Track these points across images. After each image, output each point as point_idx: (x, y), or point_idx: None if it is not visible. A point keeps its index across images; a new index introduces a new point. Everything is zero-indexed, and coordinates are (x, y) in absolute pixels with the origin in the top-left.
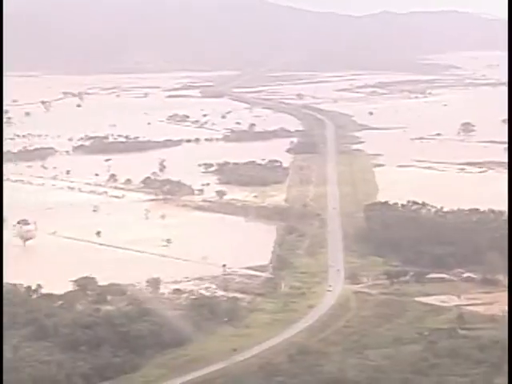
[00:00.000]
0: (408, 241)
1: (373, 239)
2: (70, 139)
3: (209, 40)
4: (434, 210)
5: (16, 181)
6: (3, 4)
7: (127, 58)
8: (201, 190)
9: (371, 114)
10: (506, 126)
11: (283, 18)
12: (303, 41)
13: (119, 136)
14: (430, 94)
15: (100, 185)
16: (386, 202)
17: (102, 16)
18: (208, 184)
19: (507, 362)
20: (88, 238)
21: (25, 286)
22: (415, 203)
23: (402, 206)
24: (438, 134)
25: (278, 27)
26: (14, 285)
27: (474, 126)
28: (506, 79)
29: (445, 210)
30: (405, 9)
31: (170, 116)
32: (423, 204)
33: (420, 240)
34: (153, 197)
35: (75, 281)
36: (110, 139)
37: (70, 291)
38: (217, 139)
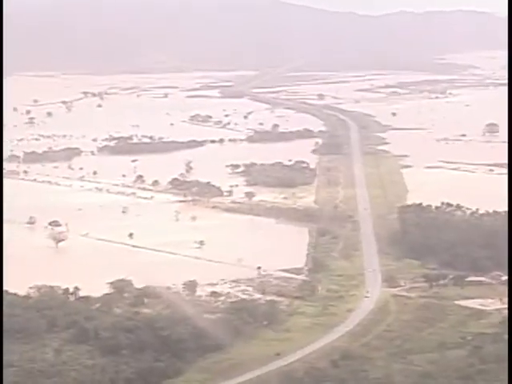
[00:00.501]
0: (444, 243)
1: (407, 242)
2: (95, 140)
3: (224, 40)
4: (469, 212)
5: (43, 181)
6: (3, 5)
7: (143, 57)
8: (229, 192)
9: (394, 114)
10: None
11: (300, 18)
12: (321, 40)
13: (143, 137)
14: (450, 94)
15: (128, 186)
16: (419, 204)
17: (116, 16)
18: (236, 185)
19: (507, 361)
20: (120, 240)
21: (62, 288)
22: (449, 205)
23: (436, 208)
24: (463, 135)
25: (295, 27)
26: (51, 287)
27: (498, 126)
28: None
29: (480, 212)
30: (421, 8)
31: (192, 116)
32: (458, 206)
33: (456, 242)
34: (181, 198)
35: (111, 283)
36: (135, 140)
37: (107, 294)
38: (240, 140)
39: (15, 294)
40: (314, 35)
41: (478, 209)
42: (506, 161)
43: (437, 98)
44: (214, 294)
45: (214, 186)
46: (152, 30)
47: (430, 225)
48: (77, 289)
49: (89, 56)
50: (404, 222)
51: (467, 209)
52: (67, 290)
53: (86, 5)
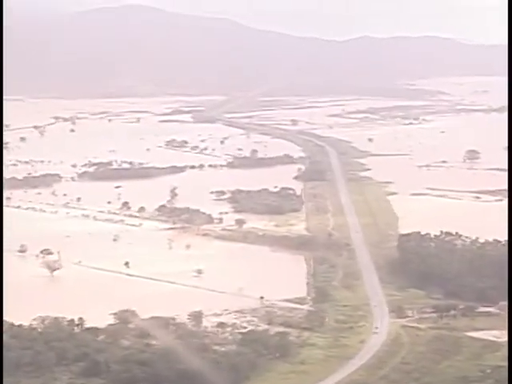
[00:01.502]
0: (447, 273)
1: (409, 271)
2: (74, 165)
3: (189, 65)
4: (469, 241)
5: (28, 208)
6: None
7: (112, 82)
8: (220, 219)
9: (371, 140)
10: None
11: (264, 43)
12: (287, 66)
13: (123, 162)
14: (424, 120)
15: (114, 213)
16: (418, 233)
17: (85, 40)
18: (226, 213)
19: (507, 361)
20: (116, 269)
21: (67, 319)
22: (448, 234)
23: (436, 236)
24: (444, 162)
25: (260, 52)
26: (56, 318)
27: (479, 153)
28: (495, 105)
29: (480, 241)
30: (386, 34)
31: (168, 141)
32: (457, 235)
33: (460, 272)
34: (170, 225)
35: (116, 314)
36: (115, 165)
37: (112, 324)
38: (221, 165)
39: (20, 326)
40: (279, 60)
41: (477, 237)
42: (490, 188)
43: (411, 124)
44: (221, 324)
45: (203, 213)
46: (117, 54)
47: (431, 254)
48: (82, 320)
49: (55, 80)
50: (403, 250)
51: (467, 237)
52: (72, 321)
53: (50, 27)
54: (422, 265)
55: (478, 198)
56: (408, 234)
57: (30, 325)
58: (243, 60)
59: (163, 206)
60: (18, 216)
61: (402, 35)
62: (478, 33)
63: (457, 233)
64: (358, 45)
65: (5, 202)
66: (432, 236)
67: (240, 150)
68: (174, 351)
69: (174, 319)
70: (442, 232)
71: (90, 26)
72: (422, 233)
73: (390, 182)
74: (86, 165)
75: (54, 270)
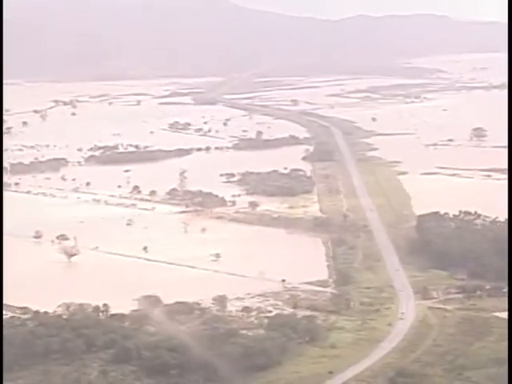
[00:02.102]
0: (469, 253)
1: (429, 251)
2: (80, 149)
3: (184, 46)
4: (489, 220)
5: (38, 193)
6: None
7: (108, 64)
8: (233, 202)
9: (374, 119)
10: None
11: (258, 23)
12: (281, 45)
13: (129, 145)
14: (425, 98)
15: (125, 197)
16: (436, 213)
17: (78, 23)
18: (238, 195)
19: (507, 361)
20: (133, 254)
21: (92, 305)
22: (467, 213)
23: (455, 216)
24: (450, 140)
25: (255, 32)
26: (81, 305)
27: (485, 131)
28: (496, 82)
29: (499, 220)
30: (380, 12)
31: (171, 124)
32: (476, 214)
33: (482, 252)
34: (183, 209)
35: (139, 299)
36: (121, 149)
37: (136, 310)
38: (227, 147)
39: (46, 313)
40: (273, 40)
41: (497, 217)
42: (501, 166)
43: (412, 102)
44: (245, 309)
45: (215, 195)
46: (112, 36)
47: (452, 234)
48: (106, 306)
49: (50, 63)
50: (423, 230)
51: (486, 217)
52: (97, 307)
53: (45, 10)
54: (442, 245)
55: (488, 176)
56: (427, 214)
57: (55, 311)
58: (239, 40)
59: (174, 189)
60: (29, 201)
61: (396, 14)
62: (473, 10)
63: (476, 212)
64: (353, 24)
65: (14, 188)
66: (451, 216)
67: (245, 131)
68: (202, 337)
69: (198, 304)
70: (460, 212)
71: (82, 9)
72: (441, 212)
73: (399, 162)
74: (91, 149)
75: (72, 255)
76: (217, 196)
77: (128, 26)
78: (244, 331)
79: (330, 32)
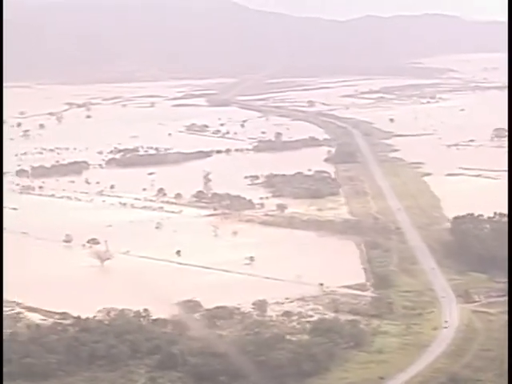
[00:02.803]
0: (506, 255)
1: (465, 254)
2: (100, 152)
3: (191, 47)
4: None
5: (62, 197)
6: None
7: (116, 66)
8: (261, 204)
9: (392, 120)
10: None
11: (268, 24)
12: (289, 46)
13: (149, 148)
14: (440, 98)
15: (151, 200)
16: (471, 214)
17: (84, 25)
18: (266, 198)
19: (507, 361)
20: (166, 258)
21: (133, 311)
22: (502, 215)
23: (489, 218)
24: (472, 140)
25: (263, 33)
26: (121, 310)
27: (506, 131)
28: (505, 83)
29: None
30: (387, 12)
31: (189, 126)
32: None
33: None
34: (211, 212)
35: (178, 304)
36: (141, 151)
37: (177, 315)
38: (247, 149)
39: (88, 319)
40: (281, 41)
41: None
42: None
43: (428, 103)
44: (286, 313)
45: (243, 198)
46: (117, 37)
47: (488, 236)
48: (147, 311)
49: (59, 65)
50: (458, 233)
51: None
52: (138, 312)
53: (52, 12)
54: (479, 247)
55: None
56: (461, 216)
57: (95, 317)
58: (245, 42)
59: (200, 191)
60: (54, 205)
61: (404, 14)
62: (480, 9)
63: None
64: (361, 24)
65: (38, 191)
66: (486, 217)
67: (263, 133)
68: (247, 342)
69: (237, 308)
70: (495, 213)
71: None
72: (475, 214)
73: (422, 163)
74: (112, 151)
75: (105, 260)
76: (244, 198)
77: (133, 27)
78: (288, 336)
79: (338, 32)
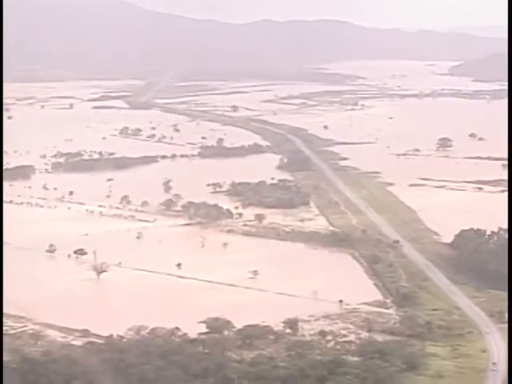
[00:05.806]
0: None
1: (475, 270)
2: (43, 156)
3: (90, 48)
4: None
5: (22, 203)
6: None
7: (16, 65)
8: (240, 214)
9: (326, 127)
10: (477, 142)
11: (164, 26)
12: (185, 48)
13: (93, 152)
14: (363, 105)
15: (118, 207)
16: (471, 229)
17: None
18: (236, 207)
19: (507, 361)
20: (165, 271)
21: (165, 329)
22: (505, 231)
23: (492, 233)
24: (417, 150)
25: (160, 35)
26: (153, 329)
27: (451, 141)
28: (426, 90)
29: None
30: (283, 17)
31: (121, 130)
32: None
33: None
34: (187, 221)
35: (206, 322)
36: (85, 156)
37: (206, 333)
38: (192, 155)
39: (122, 338)
40: (174, 43)
41: None
42: (487, 178)
43: (353, 109)
44: (321, 333)
45: (213, 206)
46: (18, 36)
47: (494, 252)
48: (178, 329)
49: None
50: (463, 248)
51: None
52: (171, 331)
53: None
54: (489, 264)
55: (480, 189)
56: (463, 231)
57: (125, 335)
58: (143, 43)
59: (169, 200)
60: (18, 212)
61: (298, 19)
62: (375, 17)
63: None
64: (257, 28)
65: None
66: (488, 233)
67: (204, 138)
68: (303, 365)
69: (267, 326)
70: (500, 229)
71: None
72: (474, 228)
73: (379, 172)
74: (55, 155)
75: (101, 272)
76: (216, 206)
77: (33, 26)
78: (329, 357)
79: (234, 36)
